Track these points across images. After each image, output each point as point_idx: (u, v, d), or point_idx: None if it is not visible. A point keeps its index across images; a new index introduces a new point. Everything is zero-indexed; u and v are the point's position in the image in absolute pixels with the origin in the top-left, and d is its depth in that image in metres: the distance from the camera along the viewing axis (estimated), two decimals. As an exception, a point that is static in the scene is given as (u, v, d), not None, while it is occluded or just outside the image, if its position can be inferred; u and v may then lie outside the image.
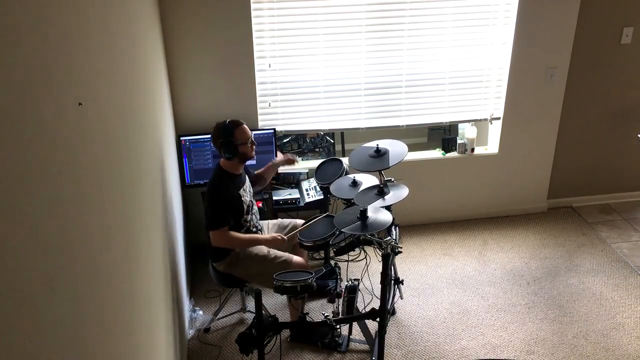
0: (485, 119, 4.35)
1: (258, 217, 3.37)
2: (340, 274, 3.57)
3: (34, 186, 1.05)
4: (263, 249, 3.22)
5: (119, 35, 2.04)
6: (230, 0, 3.64)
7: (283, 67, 3.93)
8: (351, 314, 3.04)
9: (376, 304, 3.04)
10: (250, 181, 3.41)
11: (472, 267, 4.02)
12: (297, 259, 3.23)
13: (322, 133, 5.13)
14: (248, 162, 3.32)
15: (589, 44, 4.21)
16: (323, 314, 3.05)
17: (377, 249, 2.99)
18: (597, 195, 4.81)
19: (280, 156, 3.70)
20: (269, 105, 4.02)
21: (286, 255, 3.24)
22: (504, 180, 4.56)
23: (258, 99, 3.96)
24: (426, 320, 3.52)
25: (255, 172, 3.55)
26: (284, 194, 3.87)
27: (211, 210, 3.07)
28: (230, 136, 3.04)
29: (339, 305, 3.14)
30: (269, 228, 3.44)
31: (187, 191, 4.01)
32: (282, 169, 3.95)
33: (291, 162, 3.67)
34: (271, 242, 3.16)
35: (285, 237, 3.18)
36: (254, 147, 3.16)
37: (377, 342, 3.01)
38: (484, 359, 3.22)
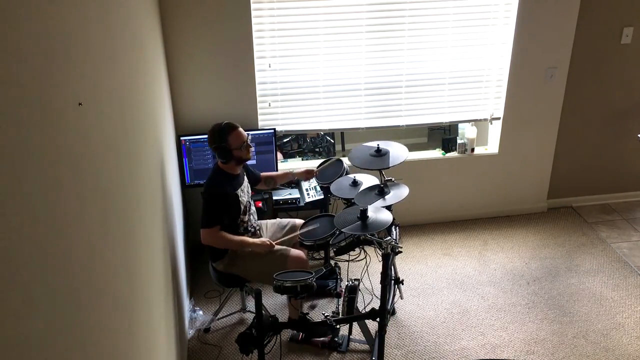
0: (485, 119, 4.35)
1: (256, 217, 3.36)
2: (340, 274, 3.58)
3: (33, 186, 1.05)
4: None
5: (119, 35, 2.04)
6: (230, 0, 3.64)
7: (283, 67, 3.93)
8: (351, 314, 3.04)
9: (376, 304, 3.04)
10: (252, 181, 3.40)
11: (472, 267, 4.02)
12: (294, 251, 3.21)
13: (322, 133, 5.13)
14: (248, 162, 3.31)
15: (589, 44, 4.21)
16: (323, 314, 3.05)
17: (377, 249, 2.99)
18: (597, 195, 4.81)
19: (300, 170, 3.62)
20: (269, 105, 4.02)
21: (283, 248, 3.23)
22: (504, 180, 4.56)
23: (258, 99, 3.96)
24: (426, 320, 3.52)
25: (262, 173, 3.53)
26: (284, 194, 3.87)
27: (206, 209, 3.08)
28: (223, 142, 3.03)
29: (339, 305, 3.14)
30: (268, 228, 3.44)
31: (187, 191, 4.01)
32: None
33: (311, 175, 3.59)
34: (260, 247, 3.14)
35: (274, 244, 3.16)
36: (250, 149, 3.15)
37: (377, 342, 3.01)
38: (484, 359, 3.22)
